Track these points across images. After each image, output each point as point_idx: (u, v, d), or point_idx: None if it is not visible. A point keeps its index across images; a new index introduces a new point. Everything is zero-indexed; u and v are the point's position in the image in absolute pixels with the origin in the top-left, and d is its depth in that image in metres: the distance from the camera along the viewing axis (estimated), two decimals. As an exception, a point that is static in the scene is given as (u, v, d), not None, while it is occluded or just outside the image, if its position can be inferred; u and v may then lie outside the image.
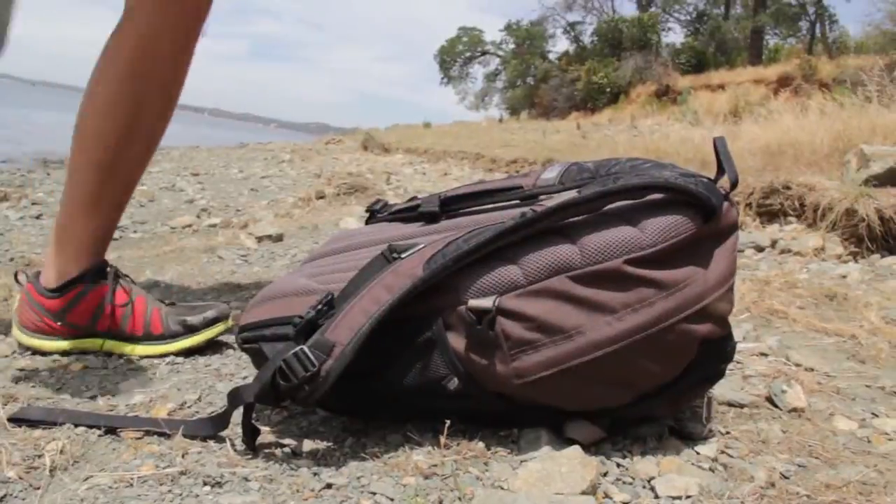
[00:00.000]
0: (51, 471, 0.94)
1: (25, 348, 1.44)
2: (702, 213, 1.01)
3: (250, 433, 1.00)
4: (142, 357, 1.44)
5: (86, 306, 1.43)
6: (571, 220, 1.01)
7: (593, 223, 1.01)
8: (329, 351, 0.97)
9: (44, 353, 1.43)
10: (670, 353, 1.02)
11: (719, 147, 1.08)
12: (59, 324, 1.42)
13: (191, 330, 1.46)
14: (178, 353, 1.45)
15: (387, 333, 1.02)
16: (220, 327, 1.49)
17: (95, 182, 1.42)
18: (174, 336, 1.45)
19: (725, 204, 1.05)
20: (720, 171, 1.07)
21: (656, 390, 1.06)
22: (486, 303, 0.98)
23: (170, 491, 0.90)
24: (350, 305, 1.02)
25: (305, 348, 0.97)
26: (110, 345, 1.45)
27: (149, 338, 1.45)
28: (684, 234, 0.99)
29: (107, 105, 1.39)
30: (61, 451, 0.97)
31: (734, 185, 1.06)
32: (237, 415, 1.01)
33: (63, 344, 1.43)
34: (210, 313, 1.48)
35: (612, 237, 0.98)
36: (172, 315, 1.47)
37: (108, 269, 1.47)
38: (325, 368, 0.96)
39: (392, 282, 1.02)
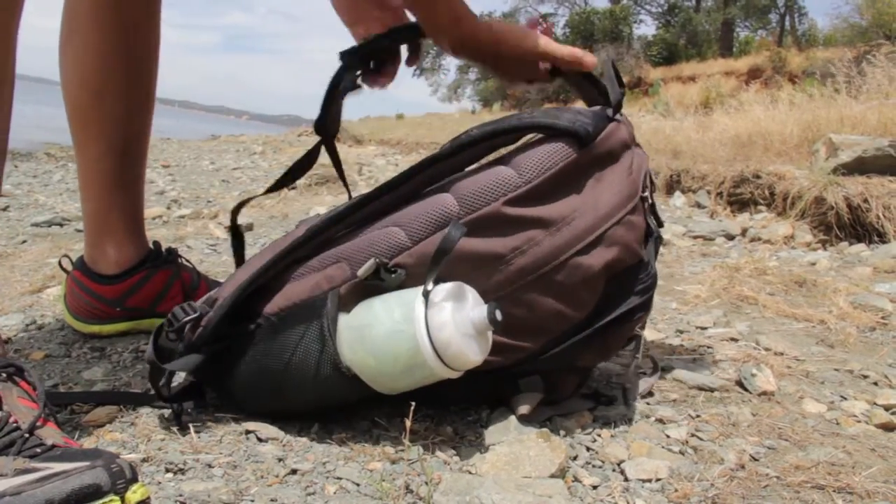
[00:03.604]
0: (8, 460, 0.91)
1: (84, 335, 1.44)
2: (575, 141, 0.98)
3: (177, 409, 1.03)
4: None
5: (148, 291, 1.43)
6: (449, 176, 1.00)
7: (468, 172, 0.99)
8: (212, 304, 1.02)
9: (101, 337, 1.44)
10: (571, 290, 0.99)
11: (605, 69, 1.07)
12: (117, 309, 1.43)
13: None
14: None
15: (286, 324, 0.99)
16: None
17: (119, 164, 1.40)
18: None
19: (610, 125, 1.02)
20: (607, 94, 1.07)
21: (571, 332, 1.03)
22: (371, 265, 0.93)
23: (131, 478, 0.88)
24: (240, 269, 1.07)
25: (192, 302, 1.03)
26: None
27: None
28: (561, 163, 0.96)
29: (99, 87, 1.36)
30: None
31: (617, 105, 1.04)
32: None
33: (121, 325, 1.45)
34: None
35: (487, 180, 0.95)
36: None
37: (169, 253, 1.48)
38: (207, 318, 1.01)
39: (278, 245, 1.04)
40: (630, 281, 1.05)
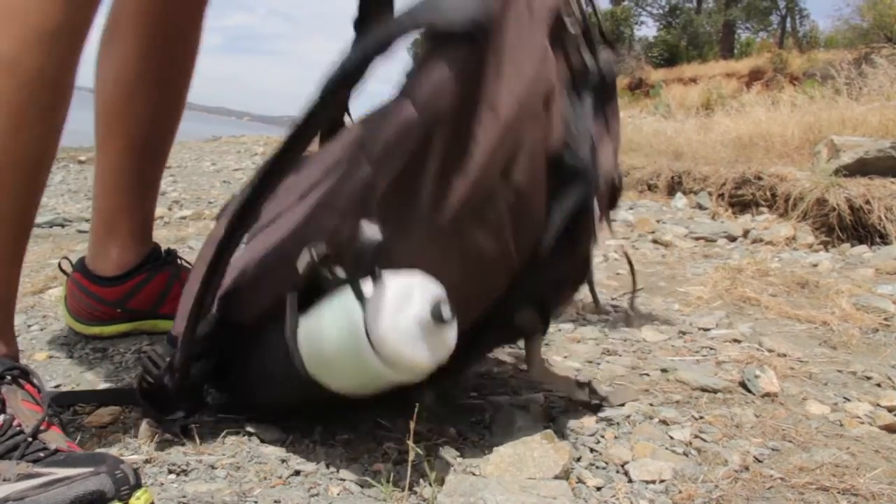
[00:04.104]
0: (11, 461, 0.91)
1: (85, 337, 1.44)
2: (467, 40, 0.82)
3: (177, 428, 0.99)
4: None
5: (149, 293, 1.43)
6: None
7: (371, 118, 0.86)
8: (175, 342, 0.95)
9: (103, 338, 1.43)
10: (509, 218, 0.89)
11: None
12: (118, 311, 1.42)
13: None
14: None
15: (257, 333, 0.95)
16: None
17: (137, 165, 1.40)
18: None
19: None
20: None
21: (529, 262, 0.95)
22: (305, 257, 0.84)
23: (134, 480, 0.88)
24: (186, 288, 1.00)
25: (156, 347, 0.96)
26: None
27: None
28: (457, 81, 0.82)
29: (131, 86, 1.35)
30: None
31: None
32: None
33: (123, 326, 1.44)
34: None
35: (391, 130, 0.84)
36: None
37: (168, 254, 1.48)
38: (176, 361, 0.93)
39: (206, 252, 0.97)
40: (563, 172, 0.93)
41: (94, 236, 1.43)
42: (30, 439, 0.78)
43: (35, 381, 0.90)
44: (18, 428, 0.80)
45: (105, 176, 1.40)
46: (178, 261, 1.49)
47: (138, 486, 0.73)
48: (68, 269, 1.46)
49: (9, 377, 0.87)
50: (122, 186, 1.40)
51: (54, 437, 0.81)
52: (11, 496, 0.69)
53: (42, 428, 0.81)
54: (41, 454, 0.77)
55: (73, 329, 1.45)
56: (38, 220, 3.27)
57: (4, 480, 0.72)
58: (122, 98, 1.35)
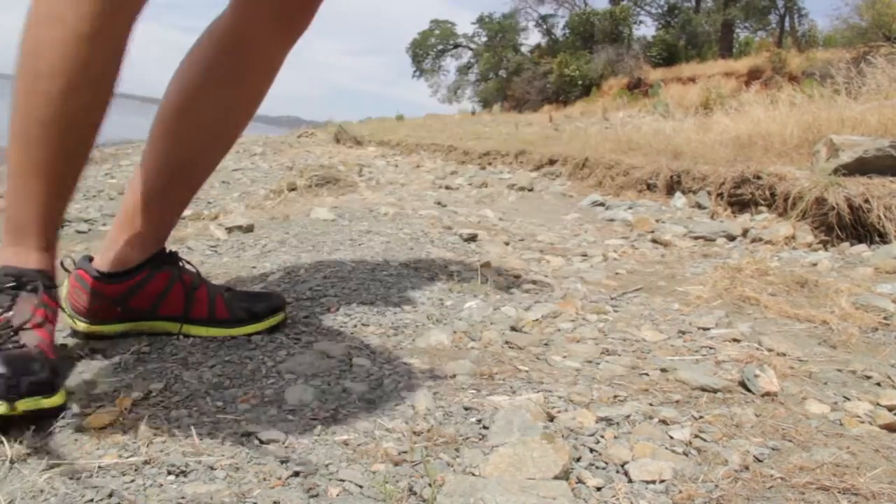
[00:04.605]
0: (10, 462, 0.91)
1: (83, 335, 1.43)
2: None
3: None
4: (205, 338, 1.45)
5: (149, 292, 1.43)
6: None
7: None
8: None
9: (101, 337, 1.42)
10: None
11: None
12: (118, 308, 1.42)
13: (255, 317, 1.48)
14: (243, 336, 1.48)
15: None
16: (280, 316, 1.52)
17: (174, 179, 1.42)
18: (240, 321, 1.47)
19: None
20: None
21: None
22: None
23: (133, 480, 0.88)
24: None
25: None
26: (172, 327, 1.46)
27: (213, 322, 1.46)
28: None
29: (200, 114, 1.38)
30: (20, 442, 0.95)
31: None
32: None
33: (122, 326, 1.44)
34: (274, 302, 1.52)
35: None
36: (236, 301, 1.49)
37: (170, 255, 1.48)
38: None
39: None
40: None
41: (111, 232, 1.44)
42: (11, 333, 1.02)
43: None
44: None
45: (140, 177, 1.41)
46: (180, 262, 1.49)
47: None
48: (70, 267, 1.46)
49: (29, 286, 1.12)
50: (154, 193, 1.41)
51: (33, 338, 1.05)
52: None
53: (27, 327, 1.06)
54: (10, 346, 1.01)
55: (72, 328, 1.45)
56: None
57: None
58: (185, 120, 1.39)
